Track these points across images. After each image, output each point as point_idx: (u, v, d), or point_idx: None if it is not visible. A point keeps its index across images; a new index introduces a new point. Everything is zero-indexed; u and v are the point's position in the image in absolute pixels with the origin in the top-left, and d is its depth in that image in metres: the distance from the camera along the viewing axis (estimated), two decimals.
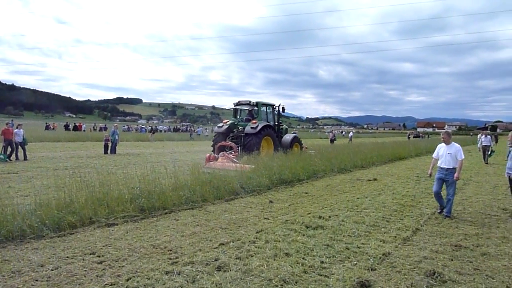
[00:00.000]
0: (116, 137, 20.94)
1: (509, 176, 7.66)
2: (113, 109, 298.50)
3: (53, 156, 18.46)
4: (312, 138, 65.17)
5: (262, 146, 15.83)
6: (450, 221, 7.03)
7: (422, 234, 6.18)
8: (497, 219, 7.31)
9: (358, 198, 9.17)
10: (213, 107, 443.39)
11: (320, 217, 7.06)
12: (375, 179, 12.41)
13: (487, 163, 19.00)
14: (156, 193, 7.52)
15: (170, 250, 5.04)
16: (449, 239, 5.91)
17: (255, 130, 15.29)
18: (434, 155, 7.90)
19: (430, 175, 7.97)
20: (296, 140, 18.24)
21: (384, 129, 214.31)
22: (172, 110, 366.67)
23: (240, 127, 16.49)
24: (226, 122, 17.01)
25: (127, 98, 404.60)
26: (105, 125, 66.37)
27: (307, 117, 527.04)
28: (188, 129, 61.04)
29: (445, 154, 7.47)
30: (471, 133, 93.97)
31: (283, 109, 18.00)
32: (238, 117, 17.77)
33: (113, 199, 6.81)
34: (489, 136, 20.55)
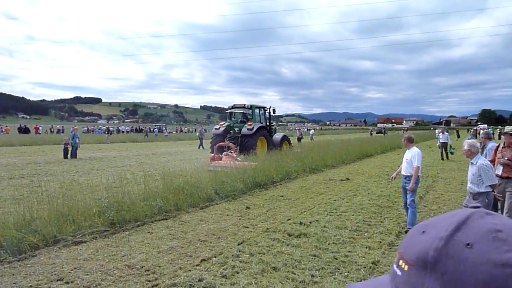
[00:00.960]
0: (77, 141, 19.88)
1: None
2: (70, 109, 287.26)
3: (7, 162, 17.18)
4: None
5: (257, 146, 17.09)
6: (429, 217, 7.00)
7: (403, 236, 6.07)
8: None
9: (335, 200, 9.04)
10: (176, 105, 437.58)
11: (301, 223, 6.83)
12: (347, 179, 12.39)
13: (443, 159, 18.77)
14: (126, 204, 7.02)
15: (148, 270, 4.62)
16: None
17: (251, 131, 16.78)
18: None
19: (392, 178, 7.31)
20: (285, 139, 19.80)
21: (346, 126, 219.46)
22: (134, 109, 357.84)
23: (236, 129, 17.84)
24: (223, 124, 18.39)
25: (86, 97, 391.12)
26: (62, 127, 63.50)
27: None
28: (151, 130, 59.68)
29: (403, 160, 6.90)
30: (432, 127, 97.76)
31: (274, 110, 19.80)
32: (233, 119, 19.06)
33: (79, 213, 6.25)
34: (446, 133, 20.15)
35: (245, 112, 18.86)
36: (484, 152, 7.84)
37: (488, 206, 5.28)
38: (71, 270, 4.62)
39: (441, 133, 20.42)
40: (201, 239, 5.92)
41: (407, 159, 6.67)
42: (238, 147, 16.58)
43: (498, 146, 6.48)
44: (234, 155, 14.75)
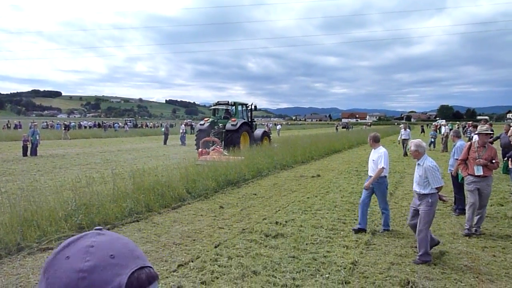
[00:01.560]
0: (37, 137, 18.88)
1: (451, 173, 8.00)
2: (28, 103, 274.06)
3: None
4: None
5: (240, 141, 17.95)
6: (402, 220, 7.13)
7: (380, 236, 6.15)
8: (441, 213, 7.58)
9: (308, 197, 9.05)
10: (140, 99, 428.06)
11: (277, 222, 6.76)
12: (318, 175, 12.47)
13: (405, 156, 18.57)
14: (95, 206, 6.68)
15: None
16: (406, 239, 5.94)
17: (235, 127, 17.71)
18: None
19: (366, 188, 6.46)
20: (265, 134, 21.04)
21: (312, 121, 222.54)
22: (96, 103, 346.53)
23: (220, 125, 18.61)
24: (207, 120, 19.38)
25: (44, 91, 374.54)
26: (20, 122, 60.40)
27: None
28: (111, 125, 57.81)
29: (370, 160, 6.56)
30: (396, 123, 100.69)
31: (255, 107, 20.77)
32: (216, 115, 19.92)
33: (44, 218, 5.88)
34: (408, 130, 19.88)
35: (228, 108, 19.71)
36: (453, 150, 8.07)
37: (431, 206, 5.04)
38: (38, 280, 4.31)
39: (403, 129, 20.21)
40: (176, 242, 5.73)
41: (373, 160, 6.38)
42: (223, 142, 17.52)
43: (470, 145, 6.47)
44: (221, 149, 15.49)
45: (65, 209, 6.30)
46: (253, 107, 20.62)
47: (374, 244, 5.73)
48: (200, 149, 15.67)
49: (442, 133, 23.44)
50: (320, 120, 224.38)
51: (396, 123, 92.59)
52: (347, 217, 7.28)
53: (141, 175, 8.86)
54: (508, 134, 14.10)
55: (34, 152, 18.45)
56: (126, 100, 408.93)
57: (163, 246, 5.56)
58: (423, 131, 43.62)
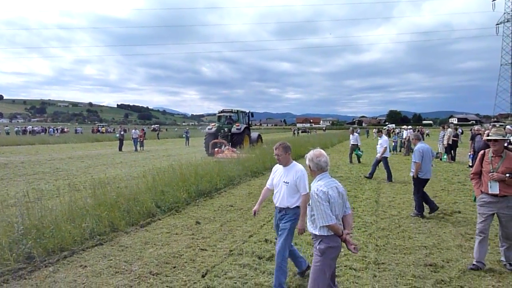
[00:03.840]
0: None
1: (413, 176, 7.83)
2: None
3: None
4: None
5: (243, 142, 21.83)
6: (399, 232, 6.54)
7: (386, 252, 5.48)
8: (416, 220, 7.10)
9: None
10: (90, 104, 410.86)
11: (266, 240, 5.93)
12: None
13: (351, 163, 17.62)
14: (48, 228, 5.49)
15: None
16: (414, 255, 5.32)
17: (240, 130, 21.78)
18: (268, 183, 4.76)
19: (255, 213, 4.81)
20: (259, 137, 24.81)
21: (267, 125, 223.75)
22: (41, 107, 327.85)
23: (226, 129, 22.40)
24: (214, 125, 22.97)
25: None
26: None
27: (192, 114, 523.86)
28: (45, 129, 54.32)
29: (280, 183, 4.35)
30: (350, 127, 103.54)
31: (252, 114, 25.42)
32: (221, 121, 23.56)
33: None
34: (356, 134, 18.39)
35: (231, 115, 23.81)
36: (414, 154, 7.81)
37: (321, 258, 3.38)
38: None
39: (351, 134, 18.47)
40: (152, 271, 4.70)
41: (287, 183, 4.25)
42: (229, 143, 21.04)
43: (484, 154, 5.06)
44: (234, 149, 19.27)
45: (9, 234, 5.08)
46: (250, 114, 25.10)
47: (383, 263, 5.03)
48: (216, 149, 19.47)
49: (404, 137, 23.69)
50: (276, 125, 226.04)
51: (350, 128, 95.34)
52: None
53: (102, 187, 7.64)
54: (483, 138, 14.30)
55: None
56: (75, 104, 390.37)
57: (138, 278, 4.52)
58: (367, 134, 44.84)
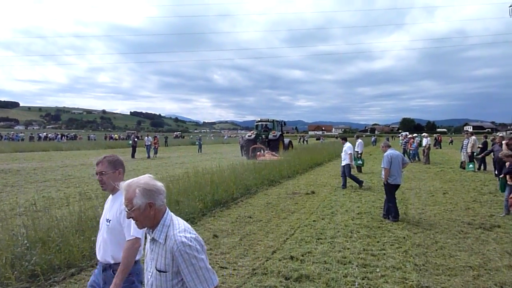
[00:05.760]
0: None
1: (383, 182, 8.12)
2: None
3: None
4: (216, 143, 63.56)
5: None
6: (437, 247, 5.92)
7: (427, 273, 4.87)
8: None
9: (314, 220, 7.72)
10: (104, 111, 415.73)
11: (292, 257, 5.38)
12: (313, 192, 11.19)
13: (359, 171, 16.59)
14: (54, 242, 5.04)
15: None
16: (460, 277, 4.71)
17: (276, 137, 25.33)
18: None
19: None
20: (291, 143, 28.71)
21: None
22: (56, 114, 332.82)
23: (263, 136, 26.11)
24: (253, 132, 26.62)
25: (0, 101, 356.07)
26: None
27: (204, 122, 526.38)
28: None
29: (103, 223, 2.84)
30: (363, 135, 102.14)
31: (284, 123, 29.64)
32: (258, 129, 27.29)
33: None
34: (360, 140, 17.87)
35: (267, 124, 27.46)
36: (383, 160, 8.01)
37: None
38: None
39: (356, 140, 17.68)
40: None
41: (108, 221, 2.73)
42: (267, 147, 24.12)
43: None
44: (273, 152, 22.66)
45: (12, 249, 4.63)
46: (283, 123, 29.04)
47: (428, 287, 4.44)
48: (258, 153, 22.64)
49: (424, 145, 22.86)
50: (287, 132, 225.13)
51: (363, 135, 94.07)
52: (372, 246, 6.00)
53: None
54: (503, 147, 13.51)
55: None
56: (89, 112, 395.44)
57: None
58: (374, 143, 44.14)
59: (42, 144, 41.53)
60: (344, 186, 12.12)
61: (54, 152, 32.15)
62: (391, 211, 7.79)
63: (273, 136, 25.32)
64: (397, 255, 5.57)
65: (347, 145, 12.51)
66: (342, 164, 12.37)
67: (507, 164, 8.31)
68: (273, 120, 27.75)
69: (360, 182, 12.16)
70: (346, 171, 12.16)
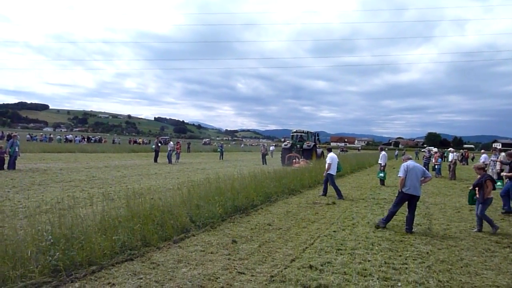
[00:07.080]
0: (16, 149, 17.17)
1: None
2: (14, 115, 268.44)
3: None
4: (238, 151, 63.73)
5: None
6: (462, 264, 5.72)
7: None
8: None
9: (334, 231, 7.61)
10: (129, 116, 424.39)
11: (311, 266, 5.30)
12: (333, 203, 11.06)
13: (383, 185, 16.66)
14: (77, 239, 5.14)
15: None
16: None
17: (310, 147, 27.89)
18: None
19: None
20: (322, 153, 29.66)
21: None
22: (83, 118, 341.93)
23: (298, 145, 28.58)
24: (289, 142, 29.55)
25: (31, 103, 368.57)
26: (2, 132, 58.00)
27: (226, 129, 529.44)
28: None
29: None
30: (386, 148, 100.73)
31: (318, 134, 31.74)
32: (293, 139, 29.64)
33: (6, 256, 4.33)
34: (384, 152, 17.66)
35: (302, 135, 29.71)
36: (400, 169, 8.01)
37: None
38: None
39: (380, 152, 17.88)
40: None
41: None
42: (302, 156, 26.28)
43: None
44: (307, 160, 24.58)
45: (37, 244, 4.74)
46: (316, 134, 31.17)
47: None
48: (294, 160, 25.00)
49: (450, 160, 22.27)
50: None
51: (386, 149, 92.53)
52: (393, 259, 5.85)
53: (136, 198, 7.29)
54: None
55: (12, 166, 16.72)
56: (115, 116, 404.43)
57: None
58: (397, 157, 43.33)
59: (68, 145, 42.64)
60: (324, 194, 12.63)
61: (79, 154, 32.95)
62: (388, 217, 8.12)
63: (307, 146, 27.79)
64: (420, 270, 5.41)
65: (330, 155, 12.91)
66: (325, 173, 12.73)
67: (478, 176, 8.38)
68: (307, 131, 30.19)
69: (340, 195, 12.20)
70: (330, 181, 12.52)
